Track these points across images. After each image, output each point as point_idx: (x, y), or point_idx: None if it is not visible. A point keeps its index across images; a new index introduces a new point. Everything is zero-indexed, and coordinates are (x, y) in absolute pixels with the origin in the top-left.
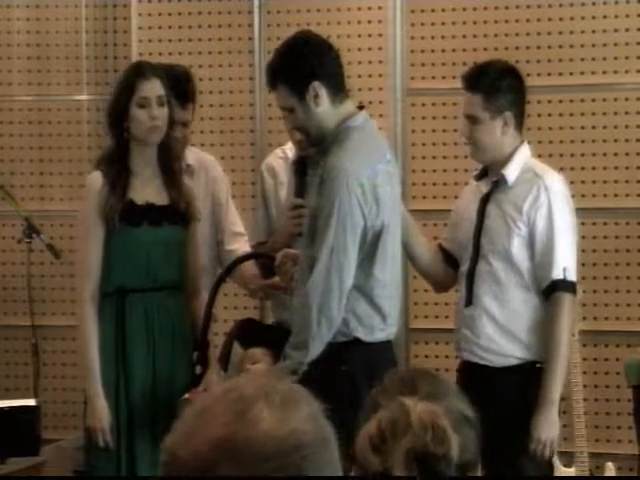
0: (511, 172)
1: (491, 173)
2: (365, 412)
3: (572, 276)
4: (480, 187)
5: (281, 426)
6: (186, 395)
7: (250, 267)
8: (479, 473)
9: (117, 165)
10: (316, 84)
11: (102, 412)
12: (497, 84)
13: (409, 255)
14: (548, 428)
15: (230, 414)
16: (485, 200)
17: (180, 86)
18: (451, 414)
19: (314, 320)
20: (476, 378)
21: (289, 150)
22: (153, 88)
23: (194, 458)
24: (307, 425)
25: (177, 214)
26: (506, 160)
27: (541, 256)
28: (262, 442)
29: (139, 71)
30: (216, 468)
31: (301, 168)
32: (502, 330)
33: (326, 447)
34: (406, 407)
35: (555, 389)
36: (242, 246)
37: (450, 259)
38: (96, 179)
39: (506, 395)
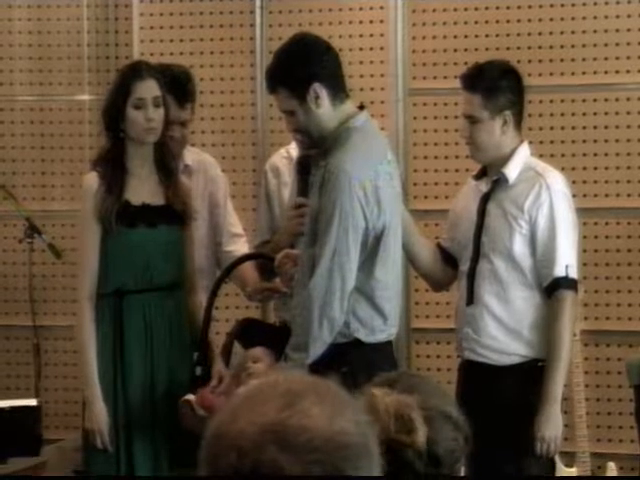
0: (511, 171)
1: (491, 172)
2: None
3: (574, 274)
4: (479, 186)
5: (330, 423)
6: (190, 396)
7: (249, 268)
8: (460, 473)
9: (113, 165)
10: (316, 86)
11: (100, 414)
12: (496, 84)
13: (408, 255)
14: (551, 426)
15: (281, 402)
16: (485, 199)
17: (179, 86)
18: (425, 409)
19: (315, 321)
20: (478, 377)
21: (293, 150)
22: (149, 89)
23: (240, 437)
24: (353, 429)
25: (174, 214)
26: (506, 159)
27: (543, 254)
28: (311, 433)
29: (135, 72)
30: (263, 449)
31: (304, 167)
32: (504, 328)
33: (368, 456)
34: (374, 397)
35: (558, 387)
36: (241, 247)
37: (449, 258)
38: (92, 180)
39: (509, 393)
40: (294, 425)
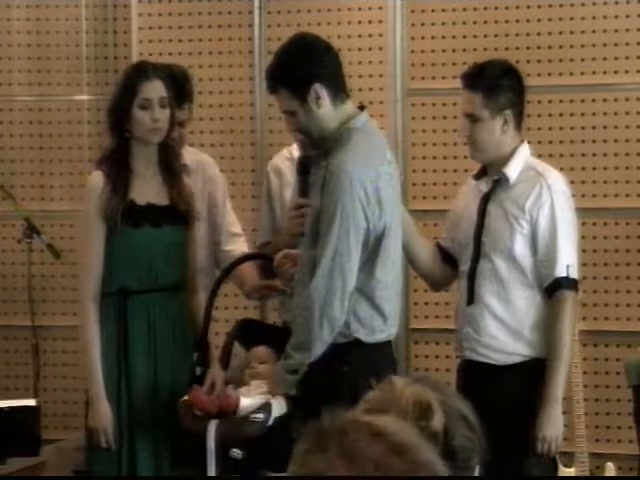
0: (512, 170)
1: (491, 172)
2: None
3: (575, 274)
4: (479, 186)
5: None
6: (186, 397)
7: (248, 268)
8: (475, 473)
9: (118, 165)
10: (317, 86)
11: (104, 413)
12: (497, 83)
13: (408, 255)
14: (552, 426)
15: None
16: (486, 199)
17: (177, 86)
18: (444, 405)
19: (316, 322)
20: (479, 376)
21: (295, 151)
22: (156, 89)
23: None
24: None
25: (178, 214)
26: (506, 159)
27: (544, 254)
28: None
29: (141, 72)
30: None
31: (305, 167)
32: (505, 328)
33: None
34: (395, 385)
35: (559, 387)
36: (239, 247)
37: (448, 258)
38: (97, 179)
39: (509, 393)
40: None
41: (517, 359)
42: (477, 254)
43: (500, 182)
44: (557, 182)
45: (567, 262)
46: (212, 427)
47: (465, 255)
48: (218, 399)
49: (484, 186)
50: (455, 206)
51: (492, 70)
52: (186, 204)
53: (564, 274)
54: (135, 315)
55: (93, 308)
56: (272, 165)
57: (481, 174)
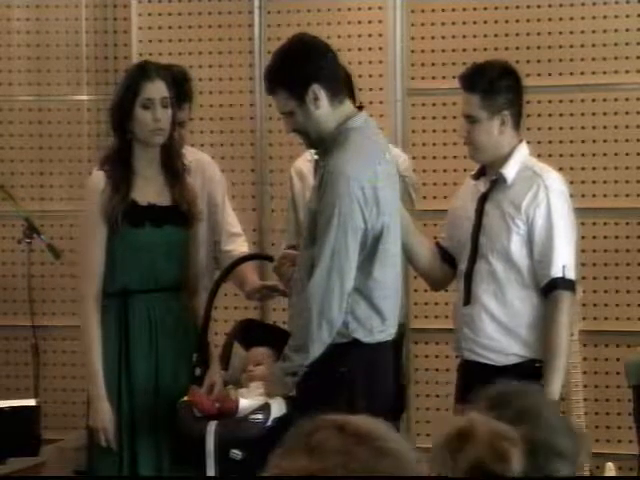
0: (510, 171)
1: (489, 172)
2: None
3: (571, 274)
4: (478, 186)
5: None
6: (185, 397)
7: (248, 268)
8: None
9: (120, 165)
10: (315, 87)
11: (105, 413)
12: (495, 84)
13: (407, 254)
14: None
15: None
16: (483, 199)
17: (177, 86)
18: (530, 441)
19: (314, 322)
20: (476, 376)
21: None
22: (158, 90)
23: None
24: None
25: (179, 214)
26: (504, 159)
27: (540, 254)
28: None
29: (144, 72)
30: None
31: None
32: (502, 328)
33: None
34: (473, 422)
35: (555, 387)
36: (239, 247)
37: (447, 257)
38: (99, 179)
39: None
40: None
41: (514, 359)
42: (474, 254)
43: (498, 182)
44: (555, 182)
45: (563, 262)
46: (211, 428)
47: (463, 255)
48: (217, 400)
49: (482, 186)
50: (454, 206)
51: (489, 71)
52: (188, 204)
53: (560, 274)
54: (136, 315)
55: (94, 308)
56: (295, 168)
57: (480, 174)
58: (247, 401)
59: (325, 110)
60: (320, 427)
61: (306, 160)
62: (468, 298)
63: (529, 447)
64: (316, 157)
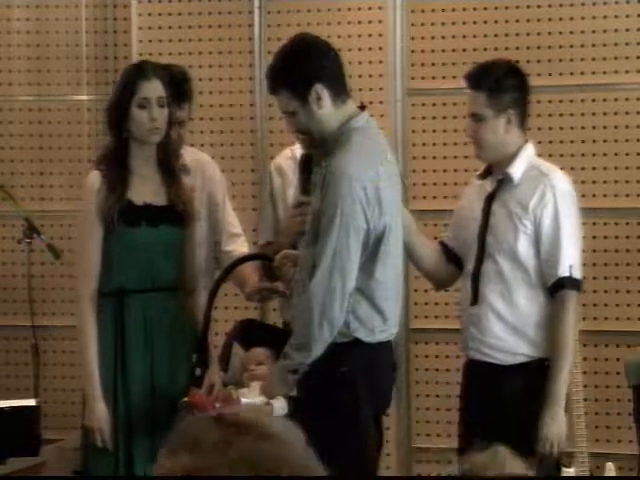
0: (516, 170)
1: (496, 172)
2: None
3: (578, 274)
4: (484, 186)
5: None
6: (185, 398)
7: (248, 268)
8: None
9: (116, 165)
10: (318, 87)
11: (100, 413)
12: (501, 82)
13: (410, 255)
14: (555, 425)
15: None
16: (490, 199)
17: (177, 86)
18: None
19: (316, 322)
20: (483, 376)
21: (297, 150)
22: (154, 89)
23: None
24: None
25: (176, 214)
26: (510, 159)
27: (547, 254)
28: None
29: (140, 71)
30: None
31: (307, 165)
32: (509, 328)
33: None
34: (501, 456)
35: (562, 386)
36: (239, 247)
37: (451, 256)
38: (94, 179)
39: (513, 393)
40: None
41: (521, 359)
42: (481, 254)
43: (504, 182)
44: (561, 182)
45: (570, 262)
46: None
47: (470, 255)
48: (218, 400)
49: (489, 186)
50: (460, 206)
51: (496, 70)
52: (184, 204)
53: (567, 274)
54: (133, 315)
55: (91, 308)
56: (275, 165)
57: (486, 174)
58: (249, 401)
59: (328, 110)
60: (198, 422)
61: (287, 157)
62: (475, 298)
63: None
64: (297, 155)
